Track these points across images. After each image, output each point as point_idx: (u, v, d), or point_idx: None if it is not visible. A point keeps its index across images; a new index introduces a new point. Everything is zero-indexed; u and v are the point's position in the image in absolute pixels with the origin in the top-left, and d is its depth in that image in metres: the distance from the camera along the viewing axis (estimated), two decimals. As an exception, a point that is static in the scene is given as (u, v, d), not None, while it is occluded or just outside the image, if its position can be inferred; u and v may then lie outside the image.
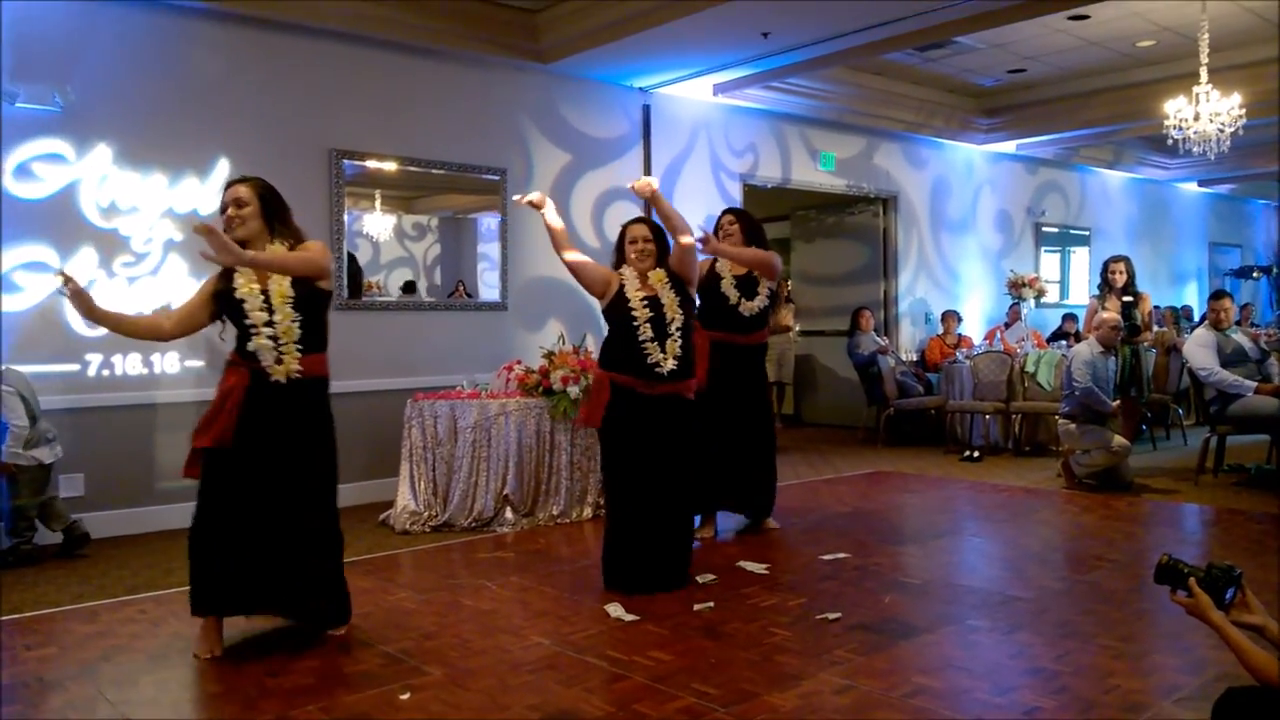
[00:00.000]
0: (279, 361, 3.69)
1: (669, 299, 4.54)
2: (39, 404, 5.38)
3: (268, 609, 3.86)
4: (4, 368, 5.28)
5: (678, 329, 4.51)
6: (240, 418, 3.66)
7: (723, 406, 5.41)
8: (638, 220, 4.77)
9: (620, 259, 4.69)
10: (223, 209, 3.76)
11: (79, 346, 5.77)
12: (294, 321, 3.70)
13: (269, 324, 3.67)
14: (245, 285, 3.70)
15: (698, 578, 4.61)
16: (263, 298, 3.69)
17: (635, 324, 4.46)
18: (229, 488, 3.67)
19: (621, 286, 4.56)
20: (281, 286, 3.71)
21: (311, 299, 3.77)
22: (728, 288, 5.44)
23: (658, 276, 4.58)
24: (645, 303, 4.49)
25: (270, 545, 3.71)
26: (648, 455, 4.49)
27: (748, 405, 5.55)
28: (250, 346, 3.67)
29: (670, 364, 4.47)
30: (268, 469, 3.70)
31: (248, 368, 3.71)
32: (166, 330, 3.85)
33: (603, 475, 4.74)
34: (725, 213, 5.70)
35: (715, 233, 5.45)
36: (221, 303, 3.77)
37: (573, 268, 4.66)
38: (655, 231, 4.63)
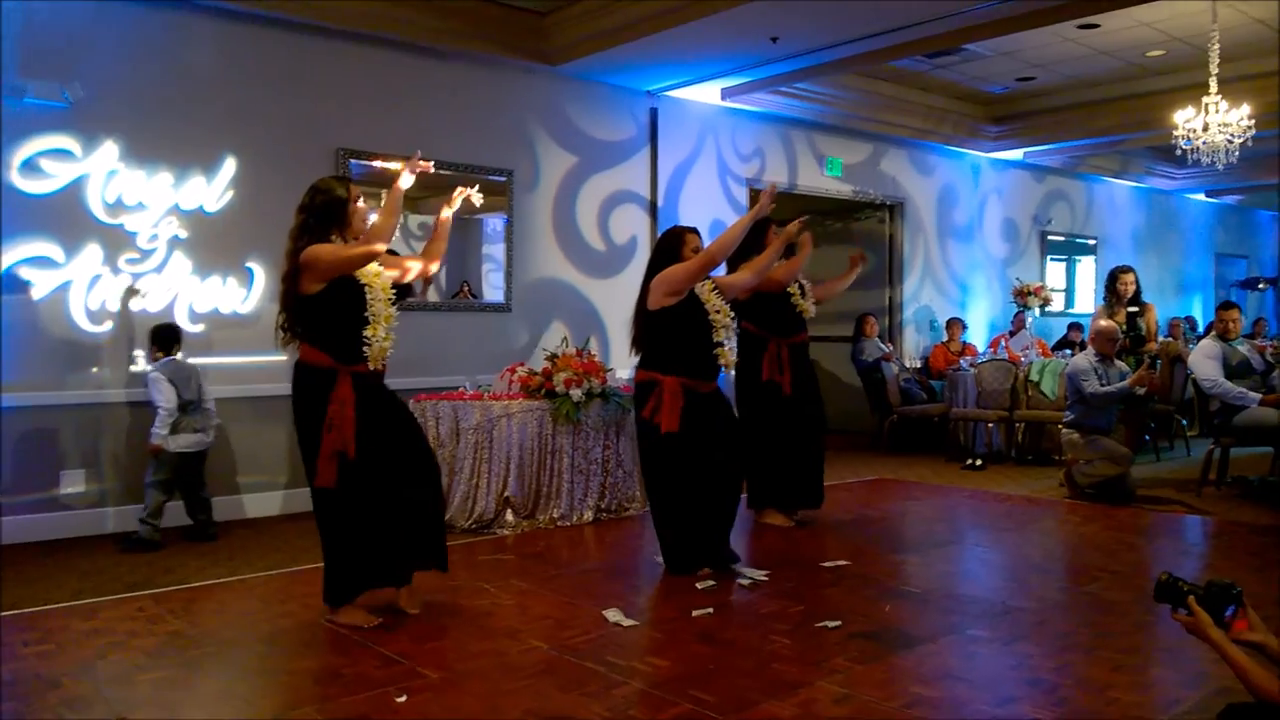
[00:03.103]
0: (380, 350, 3.92)
1: (725, 307, 4.85)
2: (196, 393, 5.63)
3: (403, 581, 4.10)
4: (163, 359, 5.59)
5: (733, 333, 4.89)
6: (359, 418, 3.87)
7: (805, 405, 5.86)
8: (692, 230, 4.98)
9: (673, 264, 4.84)
10: (354, 199, 3.96)
11: (80, 342, 5.77)
12: (395, 315, 4.00)
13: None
14: (373, 276, 3.94)
15: (697, 584, 4.60)
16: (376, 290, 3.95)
17: (714, 328, 4.78)
18: (367, 482, 3.87)
19: (692, 292, 4.77)
20: (385, 284, 3.98)
21: (399, 294, 4.07)
22: (796, 297, 5.83)
23: (709, 285, 4.87)
24: (718, 310, 4.81)
25: (416, 520, 4.02)
26: (715, 447, 4.82)
27: (816, 396, 6.02)
28: (367, 332, 3.86)
29: (733, 366, 4.88)
30: (390, 455, 3.94)
31: (348, 370, 3.85)
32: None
33: (663, 473, 4.81)
34: (772, 222, 5.78)
35: (764, 245, 5.57)
36: (336, 288, 3.85)
37: (710, 266, 4.79)
38: (702, 242, 4.98)
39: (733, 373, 5.01)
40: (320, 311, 3.86)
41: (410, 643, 3.80)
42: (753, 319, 5.70)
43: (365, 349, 3.87)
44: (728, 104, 8.76)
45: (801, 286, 5.87)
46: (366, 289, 3.89)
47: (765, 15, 6.47)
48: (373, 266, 3.95)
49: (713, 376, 4.84)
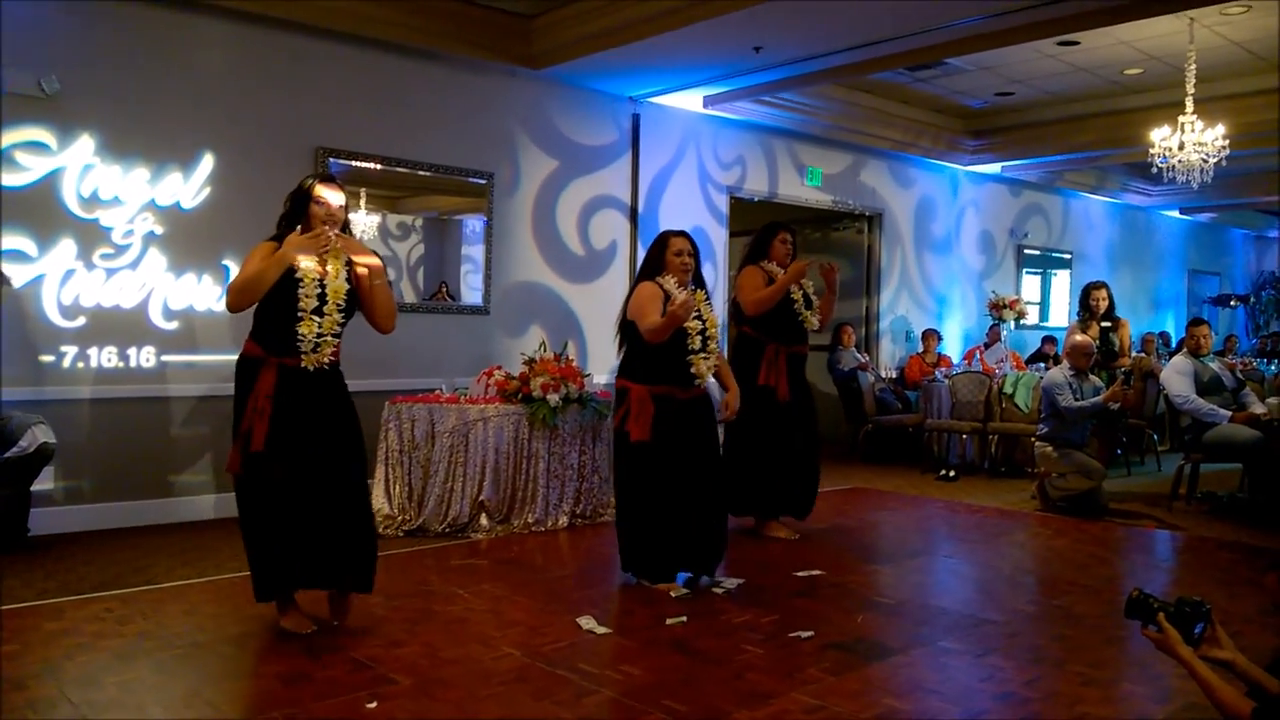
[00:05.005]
0: (315, 350, 3.79)
1: (710, 316, 4.76)
2: None
3: (321, 584, 3.93)
4: None
5: (714, 343, 4.74)
6: (277, 411, 3.75)
7: (800, 413, 5.81)
8: (680, 233, 4.83)
9: (658, 268, 4.76)
10: (316, 201, 3.84)
11: (52, 337, 5.70)
12: (339, 321, 3.86)
13: (317, 311, 3.78)
14: (312, 270, 3.80)
15: (671, 592, 4.60)
16: (319, 287, 3.80)
17: (686, 336, 4.62)
18: (277, 479, 3.77)
19: (668, 299, 4.61)
20: (340, 286, 3.84)
21: (353, 302, 3.93)
22: (800, 307, 5.78)
23: (699, 296, 4.75)
24: (697, 316, 4.66)
25: (323, 522, 3.82)
26: (693, 451, 4.70)
27: (812, 410, 6.01)
28: (301, 329, 3.74)
29: (708, 378, 4.72)
30: (310, 454, 3.80)
31: (275, 362, 3.77)
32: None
33: (634, 477, 4.69)
34: (784, 229, 5.90)
35: (768, 249, 5.81)
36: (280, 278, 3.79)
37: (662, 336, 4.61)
38: (694, 246, 4.80)
39: (711, 380, 4.84)
40: (261, 301, 3.82)
41: (381, 647, 3.77)
42: (754, 324, 5.69)
43: (299, 345, 3.77)
44: (710, 111, 8.77)
45: (807, 297, 5.81)
46: (300, 284, 3.75)
47: (749, 25, 6.49)
48: (333, 266, 3.85)
49: (690, 383, 4.69)
